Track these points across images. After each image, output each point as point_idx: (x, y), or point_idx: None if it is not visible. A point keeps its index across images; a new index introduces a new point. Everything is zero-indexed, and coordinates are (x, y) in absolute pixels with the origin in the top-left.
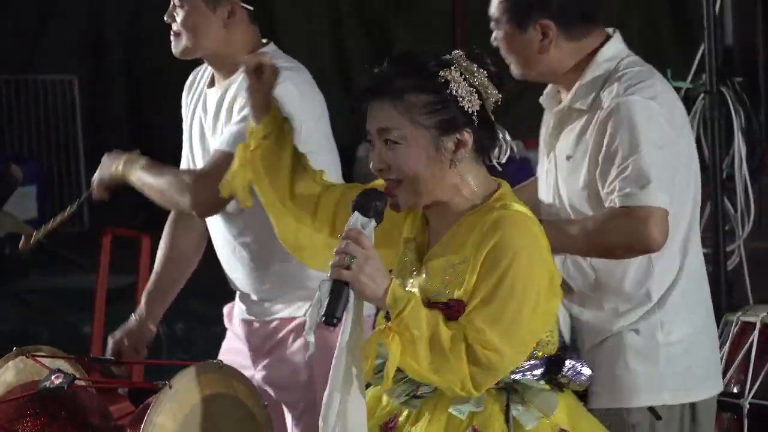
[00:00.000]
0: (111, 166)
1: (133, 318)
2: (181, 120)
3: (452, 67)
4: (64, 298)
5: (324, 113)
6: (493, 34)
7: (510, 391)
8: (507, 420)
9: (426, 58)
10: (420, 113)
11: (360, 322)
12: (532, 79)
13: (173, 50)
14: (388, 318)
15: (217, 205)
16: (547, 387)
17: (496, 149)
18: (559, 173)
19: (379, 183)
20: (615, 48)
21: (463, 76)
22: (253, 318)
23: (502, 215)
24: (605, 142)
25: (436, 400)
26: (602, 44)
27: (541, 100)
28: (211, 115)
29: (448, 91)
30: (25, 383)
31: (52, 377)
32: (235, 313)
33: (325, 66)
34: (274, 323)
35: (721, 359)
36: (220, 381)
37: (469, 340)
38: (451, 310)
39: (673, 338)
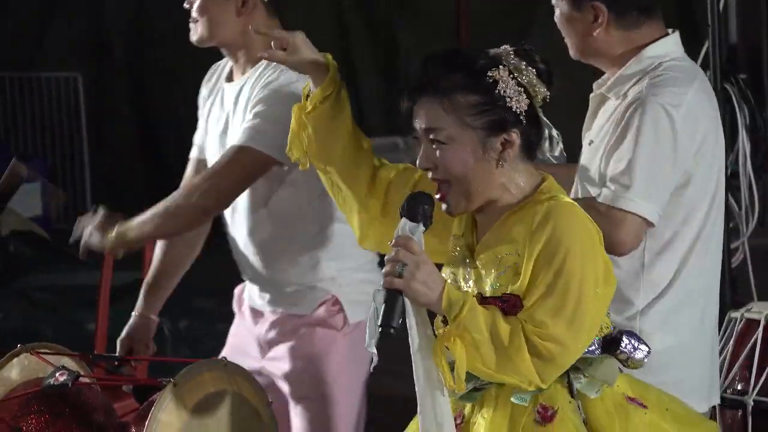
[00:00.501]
0: (99, 241)
1: (135, 315)
2: (184, 115)
3: (501, 66)
4: (69, 295)
5: None
6: (556, 12)
7: (570, 368)
8: (572, 393)
9: (474, 56)
10: (468, 114)
11: (426, 324)
12: (586, 60)
13: (191, 37)
14: (445, 322)
15: (231, 198)
16: (604, 357)
17: (546, 143)
18: (582, 158)
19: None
20: (665, 47)
21: (511, 75)
22: (263, 309)
23: (552, 206)
24: (617, 132)
25: (497, 390)
26: (655, 40)
27: (594, 84)
28: (229, 110)
29: (497, 91)
30: (29, 380)
31: (57, 374)
32: (244, 298)
33: None
34: (285, 317)
35: (725, 356)
36: (225, 378)
37: (527, 333)
38: (507, 305)
39: (655, 348)
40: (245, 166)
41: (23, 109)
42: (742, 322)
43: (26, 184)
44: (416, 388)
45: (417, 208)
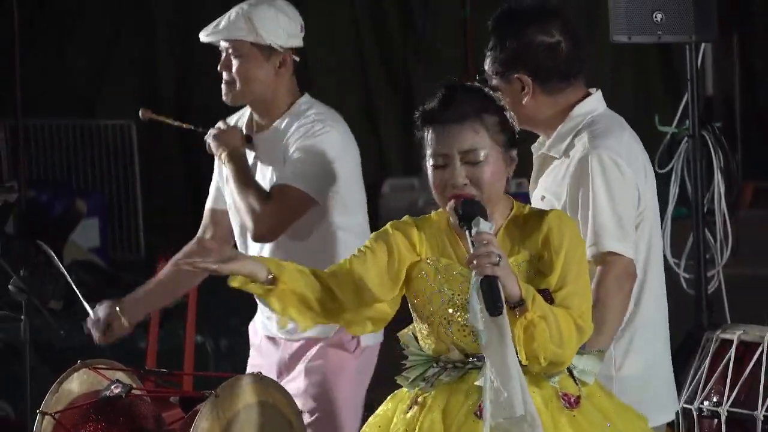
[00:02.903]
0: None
1: (117, 309)
2: None
3: (498, 93)
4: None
5: (358, 156)
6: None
7: None
8: (575, 381)
9: (480, 86)
10: (495, 131)
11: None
12: (521, 126)
13: (225, 98)
14: (512, 307)
15: (277, 233)
16: (589, 351)
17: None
18: None
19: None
20: (591, 104)
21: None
22: (279, 336)
23: (559, 217)
24: (573, 192)
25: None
26: (580, 100)
27: (533, 147)
28: (263, 157)
29: (506, 113)
30: (88, 392)
31: (112, 387)
32: (258, 328)
33: (353, 112)
34: (300, 342)
35: (702, 372)
36: (260, 390)
37: (574, 317)
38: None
39: (625, 372)
40: (292, 202)
41: (84, 152)
42: (717, 343)
43: (85, 219)
44: (494, 359)
45: (478, 210)
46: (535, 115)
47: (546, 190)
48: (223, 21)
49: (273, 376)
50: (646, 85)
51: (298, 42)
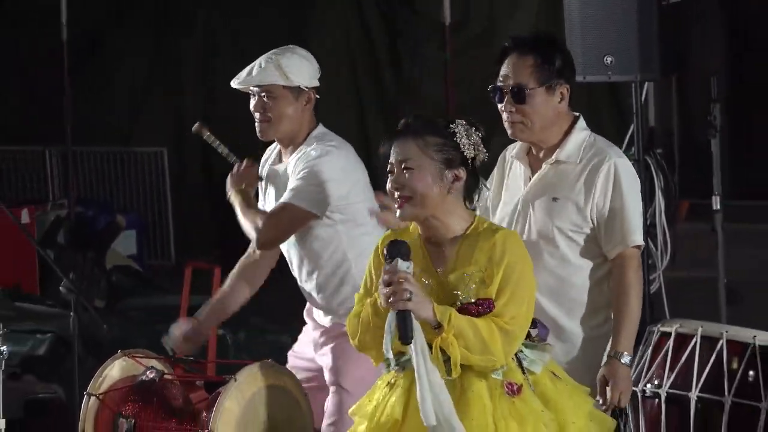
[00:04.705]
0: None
1: (194, 321)
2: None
3: (459, 124)
4: (157, 313)
5: (362, 176)
6: (506, 100)
7: (517, 351)
8: (522, 371)
9: (438, 117)
10: (432, 149)
11: (420, 329)
12: (534, 139)
13: (260, 135)
14: (435, 328)
15: (276, 243)
16: (536, 345)
17: (477, 196)
18: (537, 214)
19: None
20: (584, 123)
21: (466, 132)
22: (320, 320)
23: (506, 236)
24: (604, 193)
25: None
26: (576, 119)
27: (514, 155)
28: (281, 186)
29: (455, 138)
30: (127, 377)
31: (147, 372)
32: (312, 312)
33: (350, 139)
34: (334, 325)
35: (645, 360)
36: (273, 375)
37: (498, 324)
38: (482, 306)
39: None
40: (288, 217)
41: (123, 175)
42: (658, 335)
43: (125, 231)
44: (416, 375)
45: (403, 249)
46: (559, 125)
47: (559, 193)
48: (254, 69)
49: (310, 348)
50: (598, 118)
51: (316, 82)
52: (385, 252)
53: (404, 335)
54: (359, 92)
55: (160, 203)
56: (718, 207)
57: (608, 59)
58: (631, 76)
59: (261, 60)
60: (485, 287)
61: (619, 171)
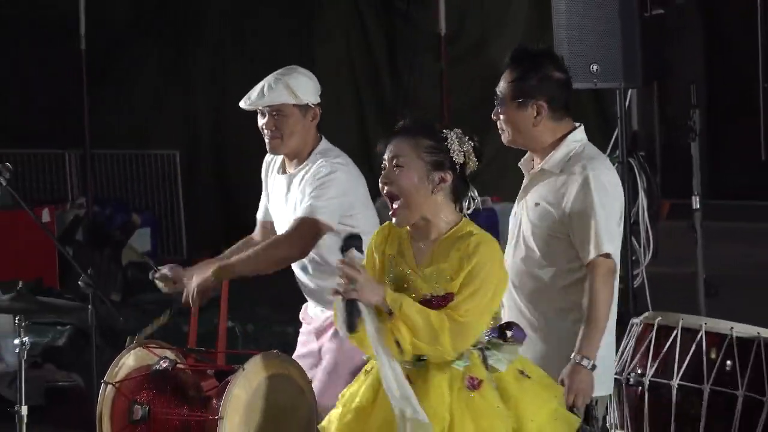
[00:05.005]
0: (203, 281)
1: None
2: (255, 182)
3: (453, 132)
4: (170, 306)
5: (364, 189)
6: (496, 108)
7: (484, 348)
8: (486, 366)
9: (436, 123)
10: (423, 151)
11: (373, 312)
12: (518, 145)
13: (270, 150)
14: (389, 313)
15: (305, 252)
16: (503, 344)
17: (466, 203)
18: (524, 216)
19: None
20: (580, 134)
21: (458, 139)
22: (317, 314)
23: (481, 239)
24: (575, 204)
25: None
26: (571, 131)
27: (520, 164)
28: (283, 194)
29: (446, 143)
30: (141, 366)
31: (161, 362)
32: (306, 309)
33: (351, 146)
34: (322, 320)
35: (629, 350)
36: (279, 365)
37: (453, 316)
38: (443, 300)
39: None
40: (311, 230)
41: (138, 177)
42: (641, 326)
43: (140, 229)
44: (376, 360)
45: (356, 243)
46: (540, 137)
47: (541, 198)
48: (265, 90)
49: (312, 337)
50: (584, 123)
51: (318, 98)
52: (341, 245)
53: (349, 323)
54: (360, 99)
55: (173, 202)
56: (698, 206)
57: (594, 67)
58: (615, 84)
59: (269, 81)
60: (451, 282)
61: (590, 183)
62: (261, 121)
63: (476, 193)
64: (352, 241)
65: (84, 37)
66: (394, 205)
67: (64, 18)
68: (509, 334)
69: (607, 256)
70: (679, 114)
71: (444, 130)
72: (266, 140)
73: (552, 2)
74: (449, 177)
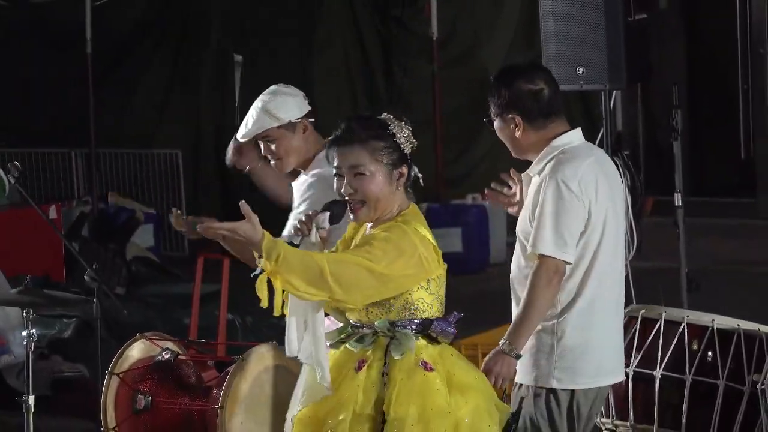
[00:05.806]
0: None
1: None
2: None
3: (395, 124)
4: (172, 300)
5: None
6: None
7: (392, 336)
8: (386, 353)
9: (373, 117)
10: (380, 154)
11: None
12: (518, 156)
13: (279, 171)
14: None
15: None
16: (410, 333)
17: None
18: (522, 218)
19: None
20: (569, 137)
21: (400, 130)
22: None
23: (402, 221)
24: (533, 205)
25: (378, 345)
26: (559, 135)
27: (523, 175)
28: (295, 202)
29: (395, 139)
30: (145, 357)
31: (163, 353)
32: None
33: None
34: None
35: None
36: (276, 356)
37: (331, 256)
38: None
39: (565, 342)
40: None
41: (141, 175)
42: (625, 319)
43: (143, 225)
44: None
45: (334, 208)
46: (525, 146)
47: (528, 202)
48: (249, 122)
49: None
50: (571, 123)
51: (307, 108)
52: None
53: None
54: (356, 100)
55: (175, 200)
56: (680, 203)
57: (580, 70)
58: (600, 86)
59: (252, 112)
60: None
61: (548, 188)
62: (261, 149)
63: (417, 170)
64: (332, 205)
65: (90, 40)
66: (357, 206)
67: (71, 22)
68: (433, 326)
69: (546, 257)
70: (662, 114)
71: (388, 126)
72: (271, 163)
73: (539, 8)
74: (405, 170)
